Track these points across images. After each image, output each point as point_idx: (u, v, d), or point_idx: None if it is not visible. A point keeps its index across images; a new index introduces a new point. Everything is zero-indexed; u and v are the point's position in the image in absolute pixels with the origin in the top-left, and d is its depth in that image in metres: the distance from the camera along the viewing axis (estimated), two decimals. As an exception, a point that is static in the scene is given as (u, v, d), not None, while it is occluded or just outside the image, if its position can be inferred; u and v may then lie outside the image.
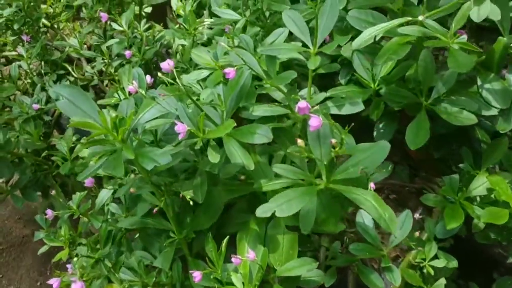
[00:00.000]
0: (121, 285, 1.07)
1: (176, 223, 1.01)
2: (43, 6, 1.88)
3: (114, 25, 1.44)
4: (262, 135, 0.81)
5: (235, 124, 0.76)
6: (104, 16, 1.42)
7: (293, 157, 0.85)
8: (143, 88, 1.14)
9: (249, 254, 0.87)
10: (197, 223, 1.00)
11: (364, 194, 0.66)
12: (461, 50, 0.90)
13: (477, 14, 0.88)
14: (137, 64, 1.40)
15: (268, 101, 1.04)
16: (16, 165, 1.41)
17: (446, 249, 1.16)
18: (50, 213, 1.15)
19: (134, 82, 1.10)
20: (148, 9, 1.74)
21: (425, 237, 1.16)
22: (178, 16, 1.54)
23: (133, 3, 1.65)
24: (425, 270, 1.10)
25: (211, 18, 1.79)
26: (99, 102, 1.16)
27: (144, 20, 1.51)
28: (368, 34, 1.00)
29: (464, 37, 0.91)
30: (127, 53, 1.37)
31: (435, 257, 1.12)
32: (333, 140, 0.69)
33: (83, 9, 1.81)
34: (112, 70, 1.54)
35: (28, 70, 1.69)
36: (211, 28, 1.57)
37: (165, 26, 2.00)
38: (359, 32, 1.13)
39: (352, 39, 1.15)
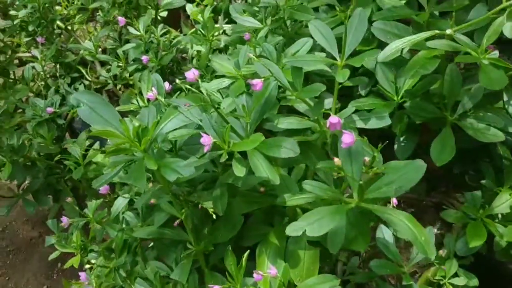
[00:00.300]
0: (136, 296, 1.05)
1: (194, 235, 0.99)
2: (57, 7, 1.86)
3: (131, 30, 1.43)
4: (288, 149, 0.79)
5: (263, 138, 0.74)
6: (121, 20, 1.40)
7: (319, 171, 0.83)
8: (162, 95, 1.13)
9: (270, 270, 0.85)
10: (217, 236, 0.98)
11: (398, 215, 0.64)
12: (492, 65, 0.88)
13: (510, 29, 0.86)
14: (154, 70, 1.38)
15: (288, 111, 1.02)
16: (29, 169, 1.39)
17: (466, 266, 1.14)
18: (65, 220, 1.14)
19: (153, 89, 1.09)
20: (164, 13, 1.73)
21: (445, 254, 1.14)
22: (196, 22, 1.52)
23: (149, 7, 1.64)
24: (444, 288, 1.08)
25: (226, 23, 1.79)
26: (118, 108, 1.14)
27: (161, 25, 1.49)
28: (395, 47, 0.98)
29: (496, 53, 0.89)
30: (144, 58, 1.36)
31: (455, 274, 1.10)
32: (367, 158, 0.67)
33: (97, 11, 1.80)
34: (127, 75, 1.52)
35: (42, 72, 1.68)
36: (227, 34, 1.56)
37: (179, 30, 1.99)
38: (381, 43, 1.12)
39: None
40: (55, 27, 1.79)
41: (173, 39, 1.53)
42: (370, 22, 1.11)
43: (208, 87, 1.04)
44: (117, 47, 1.61)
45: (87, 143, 1.46)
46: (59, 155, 1.45)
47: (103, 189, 1.16)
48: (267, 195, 1.02)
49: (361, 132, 0.96)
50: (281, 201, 0.85)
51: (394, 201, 0.78)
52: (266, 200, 1.00)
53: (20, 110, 1.68)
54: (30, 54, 1.80)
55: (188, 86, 0.86)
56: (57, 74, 1.68)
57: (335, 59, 0.90)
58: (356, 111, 0.95)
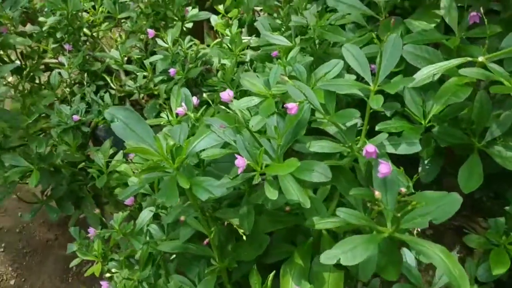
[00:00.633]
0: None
1: (219, 251, 1.00)
2: (84, 14, 1.89)
3: (159, 41, 1.44)
4: (320, 173, 0.80)
5: (299, 164, 0.75)
6: (151, 32, 1.42)
7: (346, 195, 0.84)
8: (190, 110, 1.14)
9: (296, 291, 0.86)
10: (242, 254, 0.99)
11: (433, 248, 0.64)
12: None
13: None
14: (180, 83, 1.39)
15: (312, 130, 1.02)
16: (53, 175, 1.41)
17: (486, 292, 1.13)
18: (92, 231, 1.15)
19: (183, 104, 1.10)
20: (189, 25, 1.74)
21: (466, 279, 1.13)
22: (223, 35, 1.54)
23: (176, 18, 1.65)
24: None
25: (248, 35, 1.80)
26: (148, 122, 1.15)
27: (188, 37, 1.51)
28: (427, 72, 0.98)
29: (528, 84, 0.89)
30: (172, 71, 1.37)
31: (476, 300, 1.10)
32: (403, 189, 0.67)
33: (124, 19, 1.82)
34: (152, 85, 1.54)
35: (68, 79, 1.70)
36: (252, 47, 1.57)
37: (202, 40, 2.00)
38: (409, 66, 1.13)
39: (399, 72, 1.15)
40: (81, 34, 1.82)
41: (199, 51, 1.54)
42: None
43: (238, 105, 1.04)
44: (143, 57, 1.62)
45: (111, 151, 1.48)
46: (83, 163, 1.46)
47: (129, 200, 1.17)
48: (292, 215, 1.02)
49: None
50: (310, 224, 0.85)
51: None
52: (291, 219, 1.01)
53: (43, 115, 1.71)
54: (56, 60, 1.82)
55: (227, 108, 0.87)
56: (84, 82, 1.70)
57: (367, 83, 0.91)
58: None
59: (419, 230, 0.85)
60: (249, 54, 1.45)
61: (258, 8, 2.03)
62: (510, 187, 1.17)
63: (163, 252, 1.13)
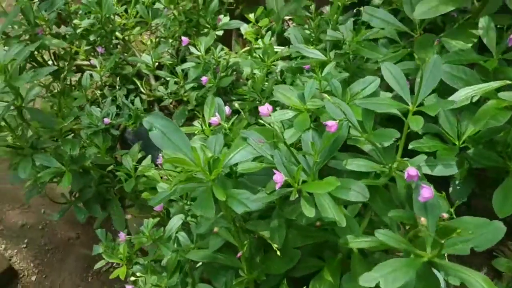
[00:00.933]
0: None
1: (248, 263, 1.01)
2: (116, 18, 1.92)
3: (192, 49, 1.46)
4: (357, 192, 0.80)
5: (338, 184, 0.75)
6: (185, 40, 1.43)
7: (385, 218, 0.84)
8: (223, 119, 1.15)
9: (326, 309, 0.85)
10: (272, 267, 0.99)
11: (474, 276, 0.64)
12: None
13: None
14: (212, 91, 1.41)
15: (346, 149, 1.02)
16: (82, 177, 1.43)
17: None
18: (122, 236, 1.16)
19: (217, 114, 1.11)
20: (219, 32, 1.75)
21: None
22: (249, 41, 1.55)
23: (208, 26, 1.67)
24: None
25: (277, 44, 1.80)
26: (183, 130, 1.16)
27: (220, 46, 1.52)
28: (464, 94, 0.98)
29: None
30: (204, 79, 1.38)
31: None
32: (445, 215, 0.67)
33: (155, 24, 1.84)
34: (182, 92, 1.55)
35: (100, 82, 1.72)
36: (282, 58, 1.57)
37: (230, 48, 2.01)
38: (443, 85, 1.12)
39: (434, 91, 1.14)
40: (113, 37, 1.84)
41: (230, 59, 1.55)
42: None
43: (273, 118, 1.05)
44: (173, 63, 1.64)
45: (139, 155, 1.49)
46: (111, 165, 1.48)
47: (158, 207, 1.18)
48: (321, 230, 1.02)
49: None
50: (344, 242, 0.85)
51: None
52: (321, 235, 1.01)
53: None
54: (88, 62, 1.85)
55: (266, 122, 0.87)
56: (116, 85, 1.72)
57: (405, 102, 0.90)
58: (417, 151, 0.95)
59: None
60: (280, 65, 1.45)
61: (287, 17, 2.04)
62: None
63: (190, 260, 1.14)
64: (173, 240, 1.15)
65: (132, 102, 1.65)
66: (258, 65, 1.41)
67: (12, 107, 1.20)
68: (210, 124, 1.15)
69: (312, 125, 0.98)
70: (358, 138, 0.92)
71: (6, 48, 1.19)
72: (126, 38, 1.92)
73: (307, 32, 1.53)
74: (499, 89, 0.97)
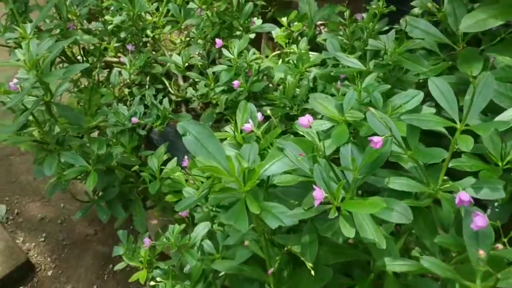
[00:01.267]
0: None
1: (276, 277, 0.97)
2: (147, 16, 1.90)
3: (225, 52, 1.42)
4: (400, 213, 0.76)
5: (384, 205, 0.71)
6: (219, 42, 1.40)
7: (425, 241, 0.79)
8: (255, 126, 1.11)
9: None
10: (301, 283, 0.95)
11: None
12: None
13: None
14: (243, 95, 1.37)
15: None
16: (106, 176, 1.41)
17: None
18: (147, 242, 1.13)
19: (250, 121, 1.08)
20: (252, 35, 1.72)
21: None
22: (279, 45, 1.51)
23: (241, 28, 1.63)
24: None
25: (309, 49, 1.76)
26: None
27: (252, 50, 1.48)
28: (510, 115, 0.93)
29: None
30: (236, 83, 1.35)
31: None
32: (500, 246, 0.62)
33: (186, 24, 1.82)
34: (212, 94, 1.52)
35: (128, 80, 1.70)
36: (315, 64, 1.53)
37: (260, 51, 1.98)
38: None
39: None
40: (144, 35, 1.83)
41: (262, 63, 1.52)
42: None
43: (313, 130, 1.01)
44: (204, 65, 1.61)
45: (165, 157, 1.47)
46: (136, 166, 1.46)
47: (184, 212, 1.15)
48: (353, 247, 0.98)
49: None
50: (381, 264, 0.81)
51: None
52: (354, 253, 0.97)
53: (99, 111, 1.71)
54: (117, 59, 1.83)
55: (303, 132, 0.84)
56: (146, 84, 1.70)
57: (451, 119, 0.86)
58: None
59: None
60: (314, 71, 1.41)
61: (319, 22, 2.00)
62: None
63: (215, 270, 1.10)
64: (198, 247, 1.11)
65: (161, 102, 1.62)
66: (291, 71, 1.38)
67: (41, 102, 1.18)
68: (242, 131, 1.11)
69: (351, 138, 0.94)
70: (401, 155, 0.87)
71: (37, 41, 1.17)
72: (156, 36, 1.89)
73: (341, 38, 1.49)
74: (550, 110, 0.92)
